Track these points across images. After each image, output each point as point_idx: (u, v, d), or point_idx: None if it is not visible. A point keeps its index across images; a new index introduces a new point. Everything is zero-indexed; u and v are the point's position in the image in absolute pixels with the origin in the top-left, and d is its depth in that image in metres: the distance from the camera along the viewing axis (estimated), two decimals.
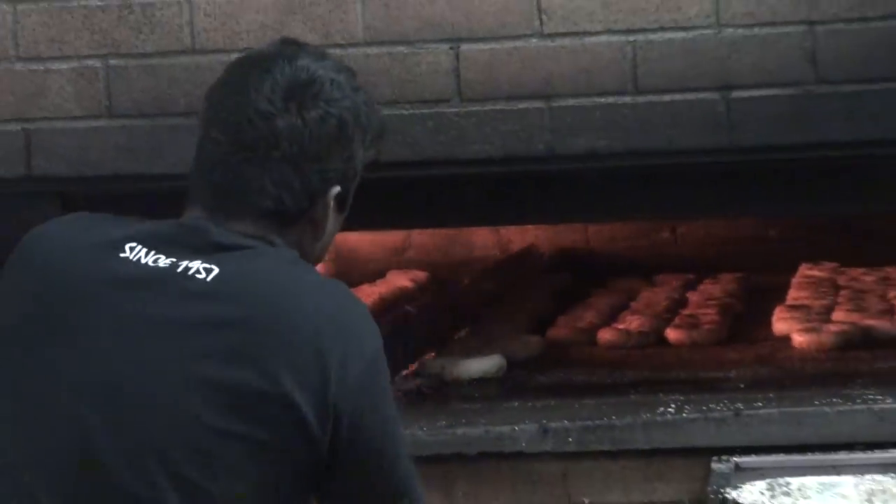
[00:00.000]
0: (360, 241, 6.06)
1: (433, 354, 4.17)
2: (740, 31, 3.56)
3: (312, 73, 2.33)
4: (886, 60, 3.53)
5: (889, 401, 3.46)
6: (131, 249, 2.26)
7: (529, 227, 5.80)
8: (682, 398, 3.56)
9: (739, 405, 3.48)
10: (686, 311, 4.86)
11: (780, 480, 3.09)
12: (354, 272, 5.90)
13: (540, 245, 6.00)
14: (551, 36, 3.60)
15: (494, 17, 3.60)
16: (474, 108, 3.62)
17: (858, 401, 3.48)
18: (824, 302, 4.83)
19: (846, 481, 3.10)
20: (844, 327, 4.35)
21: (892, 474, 3.12)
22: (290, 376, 2.17)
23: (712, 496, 3.15)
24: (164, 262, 2.24)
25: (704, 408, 3.48)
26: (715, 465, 3.35)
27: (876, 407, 3.44)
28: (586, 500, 3.48)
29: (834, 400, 3.50)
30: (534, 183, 3.71)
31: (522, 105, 3.61)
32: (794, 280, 5.33)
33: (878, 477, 3.10)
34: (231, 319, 2.19)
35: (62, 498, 2.18)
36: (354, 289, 5.44)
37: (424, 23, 3.62)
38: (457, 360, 4.01)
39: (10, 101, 3.67)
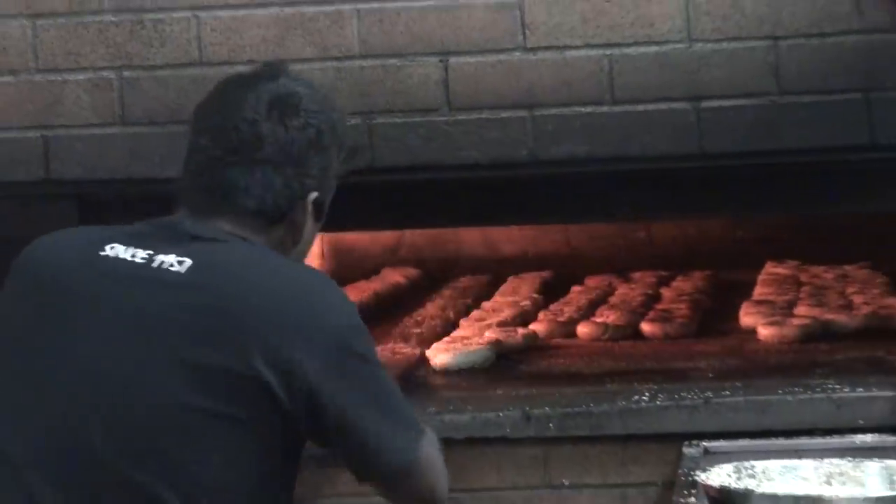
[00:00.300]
0: (357, 240, 6.06)
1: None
2: (709, 45, 3.56)
3: (293, 89, 2.38)
4: (843, 73, 3.53)
5: (847, 390, 3.46)
6: (111, 248, 2.28)
7: (514, 227, 5.79)
8: (655, 387, 3.56)
9: (709, 394, 3.48)
10: (659, 306, 4.85)
11: (746, 464, 3.08)
12: (351, 269, 5.90)
13: (523, 244, 6.00)
14: (534, 50, 3.60)
15: (481, 32, 3.61)
16: (462, 117, 3.62)
17: (818, 390, 3.48)
18: (787, 297, 4.83)
19: (807, 465, 3.10)
20: (806, 321, 4.34)
21: (849, 458, 3.12)
22: (261, 356, 2.19)
23: (683, 478, 3.15)
24: (141, 256, 2.26)
25: (676, 396, 3.48)
26: (686, 450, 3.35)
27: (834, 396, 3.45)
28: (566, 482, 3.47)
29: (796, 389, 3.50)
30: (518, 186, 3.71)
31: (507, 114, 3.61)
32: (760, 277, 5.32)
33: (836, 461, 3.10)
34: (205, 306, 2.21)
35: (60, 485, 2.19)
36: (352, 284, 5.47)
37: (415, 37, 3.62)
38: (449, 350, 4.01)
39: (30, 109, 3.67)
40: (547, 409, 3.48)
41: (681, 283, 5.34)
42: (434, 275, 5.79)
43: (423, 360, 4.03)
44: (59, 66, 3.64)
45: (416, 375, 3.91)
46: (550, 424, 3.46)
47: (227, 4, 3.65)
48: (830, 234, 5.53)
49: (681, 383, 3.60)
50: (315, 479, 3.18)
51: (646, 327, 4.51)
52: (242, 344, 2.19)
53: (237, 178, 2.32)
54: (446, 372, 3.93)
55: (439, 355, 3.99)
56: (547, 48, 3.59)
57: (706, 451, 3.35)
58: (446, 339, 4.21)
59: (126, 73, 3.67)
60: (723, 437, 3.38)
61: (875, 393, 3.45)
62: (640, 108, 3.58)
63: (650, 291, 5.19)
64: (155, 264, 2.25)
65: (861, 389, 3.46)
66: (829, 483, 3.04)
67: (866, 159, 3.57)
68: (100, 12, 3.66)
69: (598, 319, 4.58)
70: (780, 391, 3.49)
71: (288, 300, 2.24)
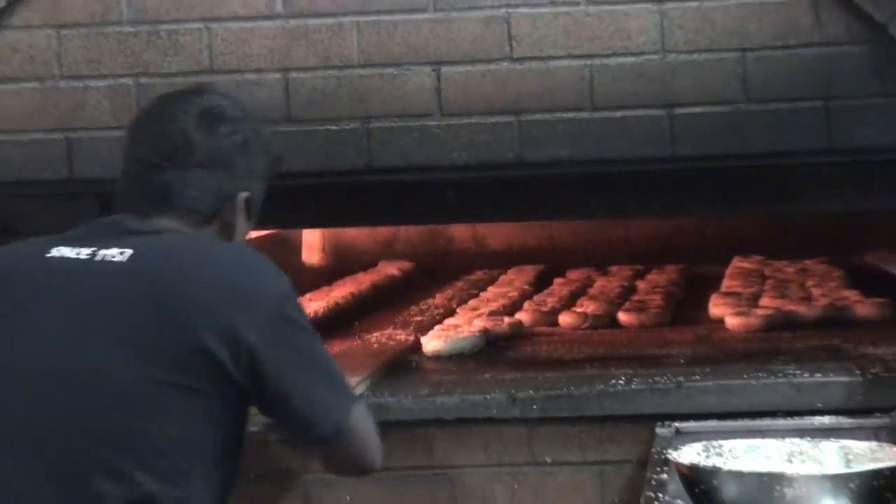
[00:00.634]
0: (355, 235, 6.06)
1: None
2: (682, 56, 3.57)
3: (219, 102, 2.45)
4: (805, 83, 3.54)
5: (806, 375, 3.47)
6: (57, 251, 2.30)
7: (501, 223, 5.79)
8: (630, 372, 3.56)
9: (680, 378, 3.49)
10: (635, 297, 4.86)
11: (714, 443, 3.08)
12: (350, 262, 5.90)
13: (510, 240, 6.00)
14: (520, 60, 3.60)
15: (471, 44, 3.60)
16: (453, 122, 3.62)
17: (780, 375, 3.48)
18: (753, 290, 4.84)
19: (769, 444, 3.10)
20: (769, 312, 4.35)
21: (808, 438, 3.12)
22: (205, 327, 2.20)
23: (656, 456, 3.16)
24: (85, 253, 2.28)
25: (650, 380, 3.49)
26: (658, 430, 3.35)
27: (795, 380, 3.45)
28: (548, 460, 3.48)
29: (760, 374, 3.50)
30: (505, 186, 3.71)
31: (495, 119, 3.61)
32: (728, 271, 5.34)
33: (797, 440, 3.10)
34: (148, 287, 2.24)
35: (23, 470, 2.19)
36: (350, 276, 5.47)
37: (410, 48, 3.62)
38: (441, 337, 4.01)
39: (55, 113, 3.66)
40: (531, 391, 3.48)
41: (655, 276, 5.35)
42: (426, 267, 5.80)
43: (418, 347, 4.03)
44: (82, 73, 3.63)
45: (410, 361, 3.92)
46: (534, 406, 3.46)
47: (237, 16, 3.65)
48: (792, 232, 5.54)
49: (654, 368, 3.61)
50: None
51: (622, 317, 4.52)
52: (187, 318, 2.21)
53: (172, 181, 2.36)
54: (438, 357, 3.93)
55: (431, 342, 3.99)
56: (532, 59, 3.59)
57: (677, 432, 3.35)
58: (439, 326, 4.22)
59: (143, 80, 3.66)
60: (693, 418, 3.39)
61: (832, 378, 3.46)
62: (618, 114, 3.58)
63: (626, 284, 5.20)
64: (98, 258, 2.28)
65: (819, 375, 3.47)
66: (789, 461, 3.04)
67: (825, 162, 3.58)
68: (119, 23, 3.66)
69: (579, 309, 4.59)
70: (745, 376, 3.50)
71: (226, 273, 2.26)
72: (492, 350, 4.05)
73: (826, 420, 3.36)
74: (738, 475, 2.87)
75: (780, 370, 3.52)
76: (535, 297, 4.91)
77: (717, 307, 4.54)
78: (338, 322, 4.59)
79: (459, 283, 5.36)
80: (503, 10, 3.59)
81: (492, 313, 4.48)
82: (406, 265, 5.74)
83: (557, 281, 5.34)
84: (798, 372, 3.49)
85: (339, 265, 5.90)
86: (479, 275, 5.58)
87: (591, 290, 5.08)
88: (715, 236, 5.79)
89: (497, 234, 6.00)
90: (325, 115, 3.64)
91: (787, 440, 3.11)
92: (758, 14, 3.54)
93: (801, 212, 4.59)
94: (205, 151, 2.37)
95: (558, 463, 3.47)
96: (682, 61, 3.56)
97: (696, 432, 3.31)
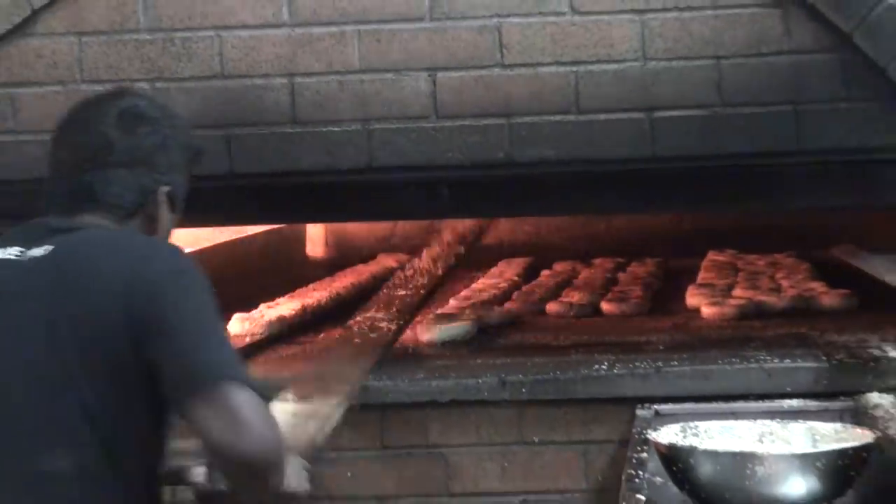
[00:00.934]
0: (356, 229, 6.06)
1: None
2: (661, 63, 3.56)
3: (137, 103, 2.43)
4: (778, 88, 3.54)
5: (776, 361, 3.47)
6: None
7: (492, 219, 5.79)
8: (613, 357, 3.57)
9: (659, 363, 3.49)
10: (617, 288, 4.86)
11: (691, 424, 3.09)
12: (351, 255, 5.90)
13: (500, 234, 6.00)
14: (510, 66, 3.60)
15: (464, 51, 3.60)
16: (447, 124, 3.61)
17: (752, 361, 3.49)
18: (727, 281, 4.84)
19: (742, 425, 3.10)
20: (742, 302, 4.36)
21: (778, 420, 3.13)
22: (109, 304, 2.19)
23: (636, 436, 3.16)
24: (14, 253, 2.29)
25: (631, 365, 3.49)
26: (639, 412, 3.36)
27: (766, 366, 3.46)
28: (536, 439, 3.48)
29: (733, 360, 3.50)
30: (495, 184, 3.71)
31: (486, 121, 3.61)
32: (703, 264, 5.34)
33: (767, 422, 3.11)
34: (64, 276, 2.25)
35: None
36: (350, 269, 5.46)
37: (408, 55, 3.61)
38: (435, 325, 4.01)
39: None
40: (520, 376, 3.48)
41: (635, 269, 5.35)
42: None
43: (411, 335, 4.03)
44: (101, 77, 3.62)
45: (406, 347, 3.92)
46: (523, 389, 3.47)
47: (246, 25, 3.64)
48: (763, 227, 5.54)
49: (635, 354, 3.61)
50: None
51: (605, 306, 4.52)
52: (95, 297, 2.20)
53: (95, 180, 2.35)
54: (433, 344, 3.93)
55: (426, 330, 3.99)
56: (521, 65, 3.59)
57: (656, 413, 3.36)
58: (432, 316, 4.21)
59: (158, 85, 3.66)
60: (671, 400, 3.39)
61: (800, 364, 3.47)
62: (602, 117, 3.58)
63: (609, 275, 5.21)
64: (25, 257, 2.28)
65: (788, 361, 3.47)
66: (761, 441, 3.04)
67: (794, 163, 3.58)
68: (136, 31, 3.65)
69: (565, 299, 4.60)
70: (719, 362, 3.50)
71: (131, 250, 2.25)
72: (483, 337, 4.05)
73: (794, 403, 3.36)
74: (713, 454, 2.87)
75: (752, 356, 3.52)
76: (524, 288, 4.91)
77: (693, 297, 4.54)
78: (339, 310, 4.61)
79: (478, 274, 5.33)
80: (495, 20, 3.59)
81: (484, 303, 4.48)
82: (403, 258, 5.74)
83: (545, 273, 5.34)
84: (768, 358, 3.49)
85: (340, 258, 5.90)
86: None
87: (576, 282, 5.08)
88: (691, 231, 5.80)
89: (489, 229, 5.99)
90: (329, 118, 3.63)
91: (759, 421, 3.11)
92: (732, 24, 3.54)
93: (772, 209, 4.59)
94: (124, 150, 2.35)
95: (545, 442, 3.47)
96: (661, 68, 3.56)
97: (674, 414, 3.31)
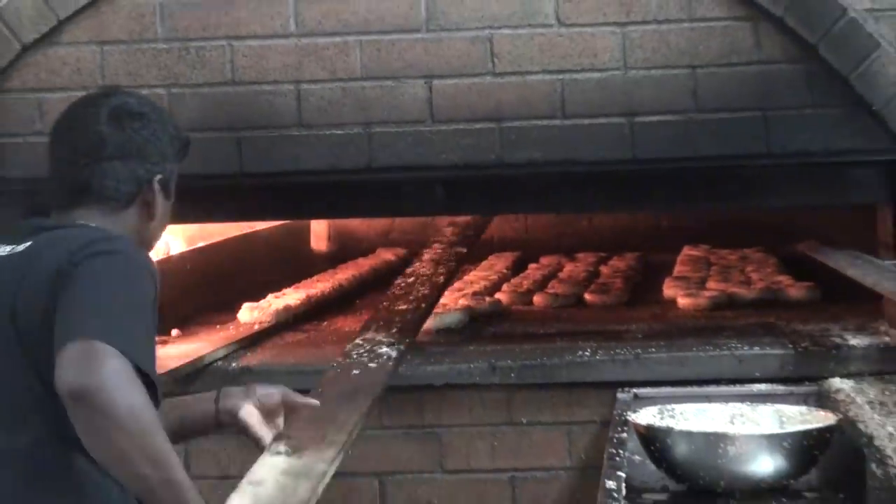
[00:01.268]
0: (356, 225, 6.05)
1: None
2: (641, 72, 3.57)
3: (126, 100, 2.41)
4: (749, 95, 3.54)
5: (746, 348, 3.48)
6: None
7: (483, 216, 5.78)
8: (595, 345, 3.57)
9: (638, 350, 3.49)
10: (599, 280, 4.86)
11: (668, 407, 3.10)
12: (351, 249, 5.89)
13: (491, 230, 6.00)
14: (501, 74, 3.60)
15: (458, 60, 3.60)
16: (443, 128, 3.61)
17: (724, 348, 3.49)
18: (701, 274, 4.84)
19: (715, 407, 3.11)
20: (715, 293, 4.36)
21: (748, 403, 3.14)
22: (43, 290, 2.18)
23: (617, 418, 3.17)
24: (6, 249, 2.29)
25: (612, 352, 3.49)
26: (619, 395, 3.36)
27: (737, 353, 3.46)
28: (524, 420, 3.48)
29: (707, 347, 3.51)
30: (487, 184, 3.71)
31: (478, 125, 3.61)
32: (679, 258, 5.34)
33: (738, 404, 3.12)
34: (23, 269, 2.23)
35: None
36: (351, 261, 5.46)
37: (407, 64, 3.61)
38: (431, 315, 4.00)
39: None
40: (509, 361, 3.48)
41: (616, 262, 5.35)
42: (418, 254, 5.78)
43: None
44: (122, 83, 3.61)
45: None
46: (512, 374, 3.47)
47: (256, 35, 3.64)
48: (734, 224, 5.54)
49: (616, 342, 3.62)
50: None
51: (588, 297, 4.52)
52: (38, 284, 2.20)
53: (91, 174, 2.35)
54: (428, 332, 3.92)
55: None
56: (511, 73, 3.59)
57: (636, 396, 3.36)
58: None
59: (174, 90, 3.65)
60: (649, 385, 3.40)
61: (768, 351, 3.47)
62: (586, 121, 3.58)
63: (591, 269, 5.20)
64: (13, 253, 2.30)
65: (757, 348, 3.48)
66: (732, 422, 3.06)
67: (763, 165, 3.58)
68: (154, 41, 3.65)
69: (550, 290, 4.60)
70: (694, 349, 3.51)
71: (71, 241, 2.23)
72: (475, 326, 4.05)
73: (763, 387, 3.37)
74: (688, 434, 2.88)
75: (724, 344, 3.53)
76: (513, 280, 4.91)
77: (669, 289, 4.55)
78: (341, 300, 4.62)
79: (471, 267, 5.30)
80: (487, 31, 3.59)
81: (475, 294, 4.48)
82: (401, 252, 5.74)
83: (532, 266, 5.34)
84: (739, 346, 3.50)
85: (342, 252, 5.90)
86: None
87: (561, 274, 5.08)
88: (668, 228, 5.80)
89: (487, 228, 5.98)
90: (332, 122, 3.63)
91: (730, 404, 3.12)
92: (707, 36, 3.54)
93: (743, 208, 4.59)
94: (117, 145, 2.35)
95: (532, 423, 3.47)
96: (641, 76, 3.56)
97: (652, 397, 3.32)
